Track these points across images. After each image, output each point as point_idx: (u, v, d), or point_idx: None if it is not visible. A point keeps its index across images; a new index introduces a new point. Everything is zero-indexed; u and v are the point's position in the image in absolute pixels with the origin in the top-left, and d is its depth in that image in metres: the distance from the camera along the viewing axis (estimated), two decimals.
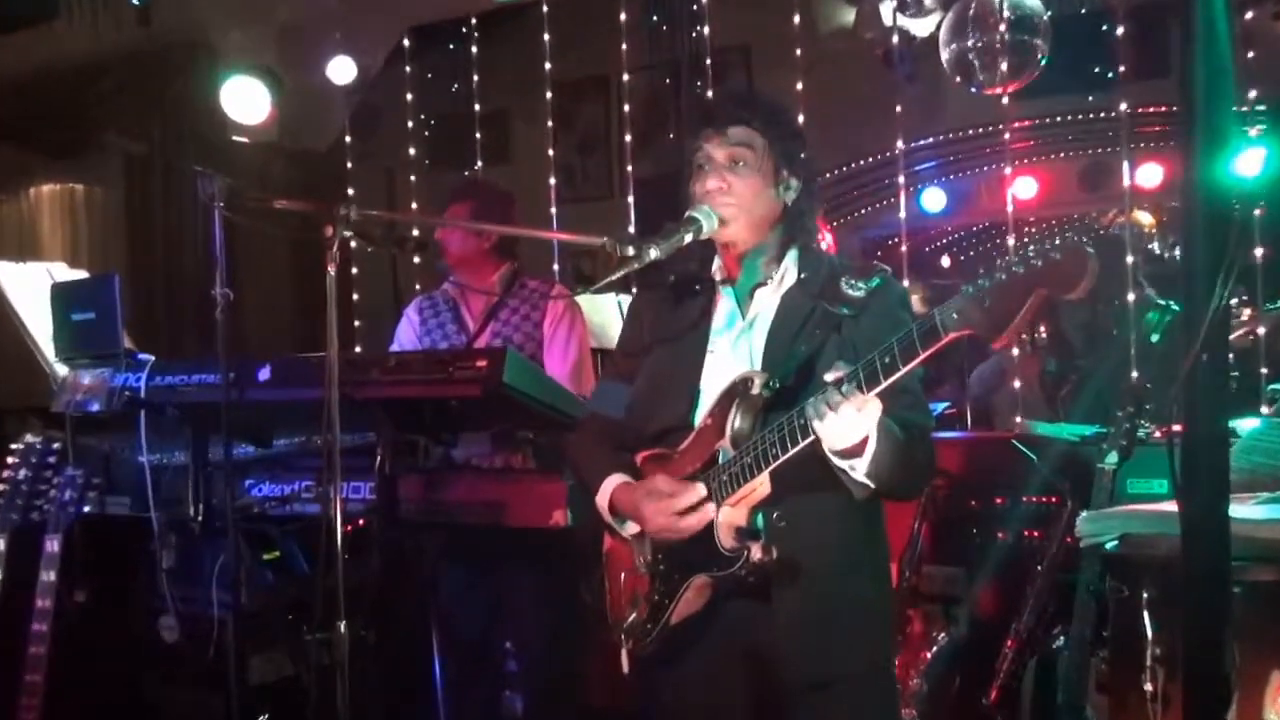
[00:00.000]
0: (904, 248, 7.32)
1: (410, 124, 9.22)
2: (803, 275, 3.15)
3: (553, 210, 8.62)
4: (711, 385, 3.09)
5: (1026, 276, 2.31)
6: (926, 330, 2.51)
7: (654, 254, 2.99)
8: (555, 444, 4.33)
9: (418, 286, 8.52)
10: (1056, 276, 2.27)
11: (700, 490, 2.97)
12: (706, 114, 3.16)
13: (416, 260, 6.85)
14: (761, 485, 2.92)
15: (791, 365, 2.95)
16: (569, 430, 3.63)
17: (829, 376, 2.66)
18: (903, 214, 7.36)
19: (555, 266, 8.65)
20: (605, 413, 3.30)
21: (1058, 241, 2.27)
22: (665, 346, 3.20)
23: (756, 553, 2.88)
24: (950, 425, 7.29)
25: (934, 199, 11.39)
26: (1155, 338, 7.00)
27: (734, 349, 3.13)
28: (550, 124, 8.87)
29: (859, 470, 2.81)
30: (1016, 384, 7.25)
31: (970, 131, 10.22)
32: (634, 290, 3.83)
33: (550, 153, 8.91)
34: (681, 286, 3.24)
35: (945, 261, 12.96)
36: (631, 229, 8.05)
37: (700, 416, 3.06)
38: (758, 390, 2.90)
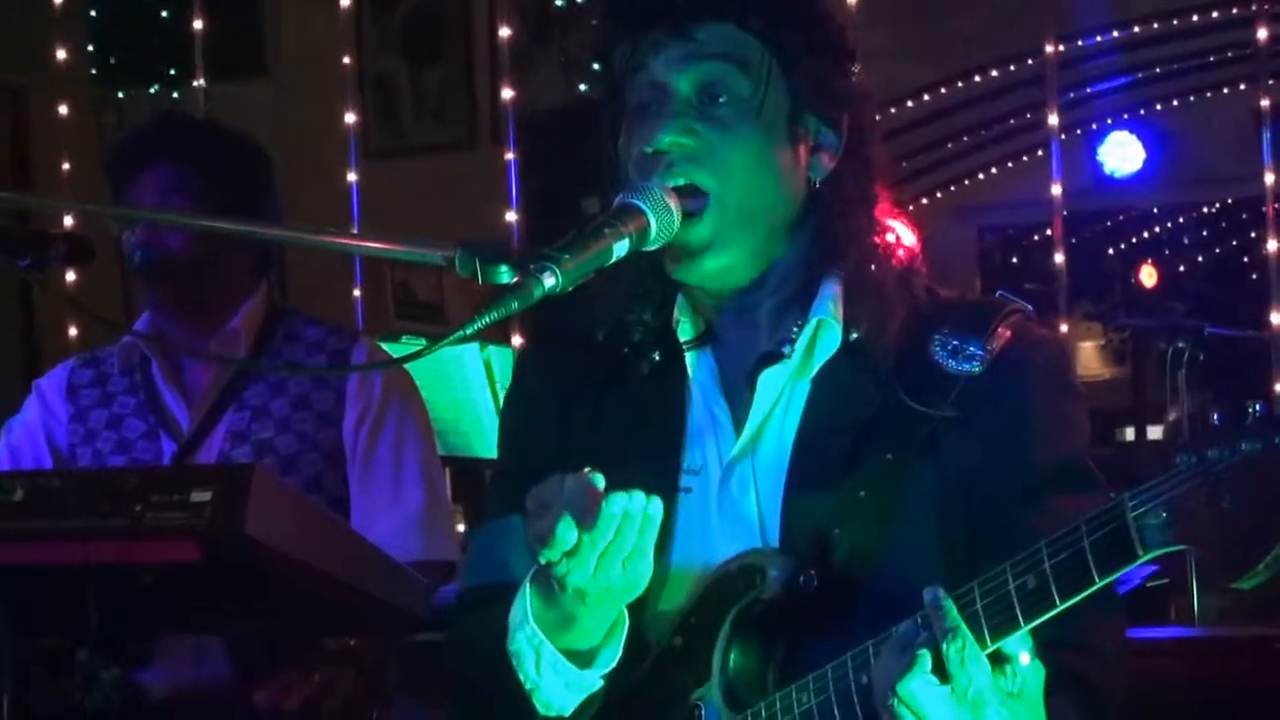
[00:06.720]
0: (1059, 255, 5.92)
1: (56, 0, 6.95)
2: (853, 334, 2.33)
3: (350, 176, 6.70)
4: (685, 565, 2.34)
5: None
6: (1106, 538, 1.84)
7: (551, 281, 2.16)
8: (383, 655, 3.48)
9: (72, 334, 6.68)
10: None
11: None
12: None
13: (71, 280, 5.54)
14: None
15: (842, 539, 2.22)
16: (411, 630, 3.16)
17: (897, 631, 2.03)
18: (1056, 187, 5.90)
19: (356, 291, 6.75)
20: (498, 584, 2.44)
21: None
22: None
23: None
24: (1160, 609, 5.79)
25: (1122, 152, 9.61)
26: None
27: (720, 496, 2.35)
28: (345, 1, 6.93)
29: None
30: None
31: (1192, 18, 8.03)
32: (516, 344, 2.85)
33: (346, 59, 6.99)
34: (618, 350, 2.44)
35: (1148, 276, 11.69)
36: (511, 218, 6.42)
37: (665, 628, 2.40)
38: (774, 591, 2.17)
